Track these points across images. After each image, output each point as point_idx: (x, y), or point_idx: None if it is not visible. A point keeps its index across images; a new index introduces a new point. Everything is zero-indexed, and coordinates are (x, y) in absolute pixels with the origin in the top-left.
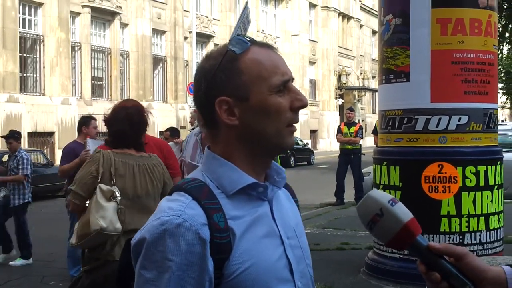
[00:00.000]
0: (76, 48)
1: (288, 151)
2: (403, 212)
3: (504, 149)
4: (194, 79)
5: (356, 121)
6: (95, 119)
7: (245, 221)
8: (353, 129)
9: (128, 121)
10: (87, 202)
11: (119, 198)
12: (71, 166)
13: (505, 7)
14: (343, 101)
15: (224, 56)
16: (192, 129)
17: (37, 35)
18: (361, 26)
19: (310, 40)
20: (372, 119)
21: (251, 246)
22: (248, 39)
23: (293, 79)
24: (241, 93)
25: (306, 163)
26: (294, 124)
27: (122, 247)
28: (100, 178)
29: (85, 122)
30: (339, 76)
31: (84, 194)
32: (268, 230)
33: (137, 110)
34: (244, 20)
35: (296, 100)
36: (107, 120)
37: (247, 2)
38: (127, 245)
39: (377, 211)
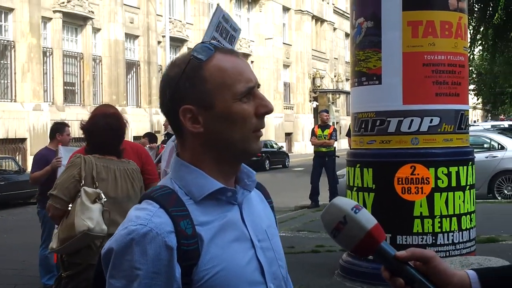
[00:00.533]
0: (47, 54)
1: (263, 155)
2: (367, 219)
3: (476, 150)
4: (160, 87)
5: (330, 124)
6: (68, 126)
7: (214, 226)
8: (327, 132)
9: (108, 130)
10: (69, 206)
11: (105, 199)
12: (41, 174)
13: (476, 9)
14: (317, 103)
15: (188, 64)
16: (166, 133)
17: (8, 40)
18: (334, 29)
19: (284, 43)
20: (346, 122)
21: (220, 251)
22: (212, 46)
23: (259, 85)
24: (205, 101)
25: (281, 166)
26: (261, 129)
27: None
28: (83, 182)
29: (59, 128)
30: (313, 79)
31: (65, 198)
32: (237, 234)
33: (116, 118)
34: (224, 27)
35: (261, 106)
36: (86, 129)
37: (218, 4)
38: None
39: (340, 219)
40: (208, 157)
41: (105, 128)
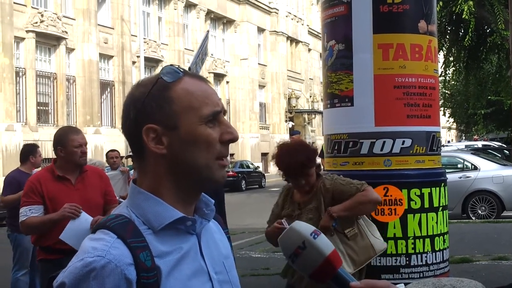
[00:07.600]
0: (20, 74)
1: (239, 175)
2: (326, 245)
3: (450, 170)
4: (123, 106)
5: None
6: (38, 147)
7: (173, 258)
8: None
9: None
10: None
11: None
12: (15, 198)
13: (448, 31)
14: (293, 124)
15: (155, 84)
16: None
17: None
18: (309, 50)
19: (259, 64)
20: (322, 141)
21: (178, 284)
22: (181, 69)
23: (225, 111)
24: (170, 122)
25: (257, 186)
26: (225, 158)
27: None
28: None
29: (32, 151)
30: (289, 99)
31: None
32: (195, 266)
33: None
34: (203, 50)
35: (226, 133)
36: None
37: (208, 31)
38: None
39: (299, 244)
40: (169, 182)
41: None
